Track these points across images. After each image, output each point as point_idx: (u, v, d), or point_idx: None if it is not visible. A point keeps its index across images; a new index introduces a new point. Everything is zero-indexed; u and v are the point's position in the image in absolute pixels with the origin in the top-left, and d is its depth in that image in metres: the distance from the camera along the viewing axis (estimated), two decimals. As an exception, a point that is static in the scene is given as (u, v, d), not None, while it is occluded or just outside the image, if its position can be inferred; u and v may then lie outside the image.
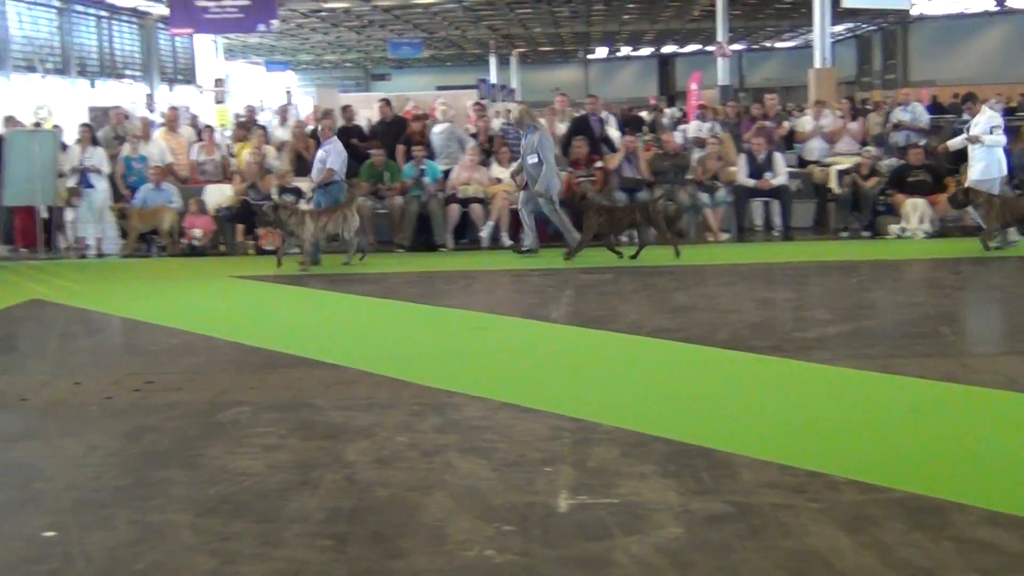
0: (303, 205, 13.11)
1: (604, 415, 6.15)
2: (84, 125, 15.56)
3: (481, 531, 4.55)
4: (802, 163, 15.66)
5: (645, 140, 15.59)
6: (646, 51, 61.25)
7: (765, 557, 4.19)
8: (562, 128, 15.53)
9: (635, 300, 10.23)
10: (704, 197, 13.96)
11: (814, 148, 15.72)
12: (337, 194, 12.78)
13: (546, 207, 12.65)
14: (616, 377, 7.27)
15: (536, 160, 12.55)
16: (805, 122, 16.57)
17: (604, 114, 16.13)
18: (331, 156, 12.85)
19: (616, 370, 7.48)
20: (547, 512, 4.74)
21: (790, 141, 16.17)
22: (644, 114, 20.35)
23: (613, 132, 15.76)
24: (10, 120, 15.87)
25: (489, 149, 14.83)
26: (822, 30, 25.59)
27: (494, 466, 5.35)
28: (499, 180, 14.02)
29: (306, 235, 12.15)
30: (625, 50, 60.68)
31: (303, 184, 14.05)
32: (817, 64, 25.33)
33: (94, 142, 14.95)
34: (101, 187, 14.54)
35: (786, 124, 16.85)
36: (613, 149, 14.75)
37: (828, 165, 14.95)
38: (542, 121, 13.58)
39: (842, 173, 14.34)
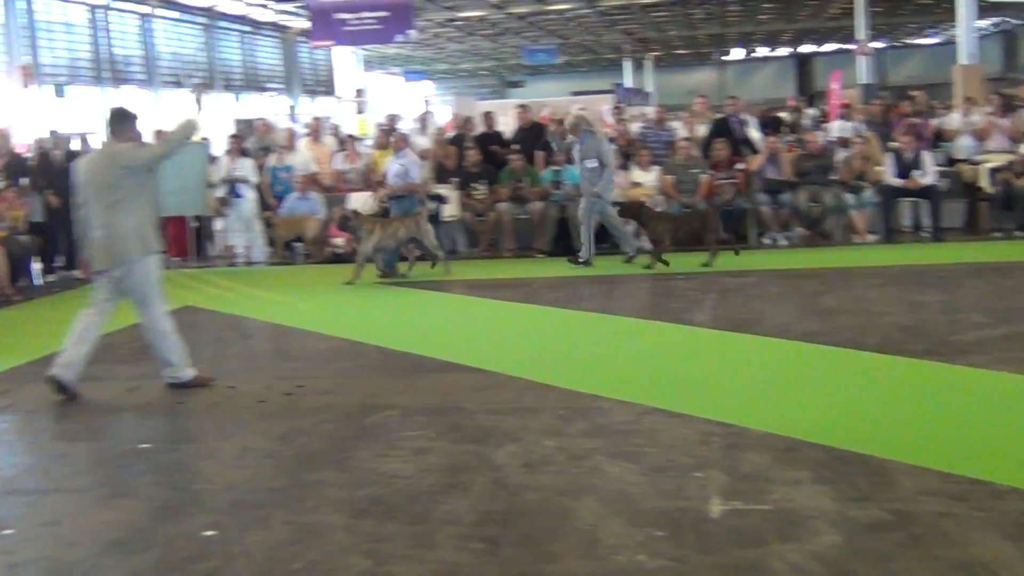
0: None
1: (753, 420, 6.07)
2: (232, 136, 15.97)
3: (632, 536, 4.52)
4: (951, 162, 15.21)
5: (787, 141, 15.31)
6: (783, 51, 60.33)
7: (928, 567, 4.08)
8: (702, 130, 15.39)
9: (781, 303, 10.07)
10: (849, 198, 13.68)
11: (963, 146, 15.25)
12: (410, 205, 12.88)
13: (601, 209, 12.64)
14: (764, 381, 7.16)
15: (595, 165, 12.53)
16: (952, 119, 16.11)
17: (744, 116, 15.94)
18: (413, 169, 13.00)
19: (764, 374, 7.36)
20: (699, 518, 4.68)
21: (937, 139, 15.73)
22: (784, 114, 20.03)
23: (754, 133, 15.56)
24: (160, 134, 16.35)
25: (628, 153, 14.76)
26: (967, 25, 24.87)
27: (643, 471, 5.32)
28: (638, 184, 13.95)
29: (368, 244, 12.21)
30: (762, 51, 59.85)
31: (445, 190, 14.21)
32: (962, 60, 24.61)
33: (242, 153, 15.34)
34: (249, 197, 14.91)
35: (934, 122, 16.41)
36: (754, 151, 14.57)
37: (978, 163, 14.49)
38: (598, 126, 13.55)
39: (994, 171, 13.89)
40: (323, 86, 40.97)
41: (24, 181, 14.05)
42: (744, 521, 4.62)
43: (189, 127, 7.65)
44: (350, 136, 17.93)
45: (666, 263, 12.11)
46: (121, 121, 7.58)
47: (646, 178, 13.91)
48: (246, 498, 5.27)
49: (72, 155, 14.87)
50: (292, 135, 16.65)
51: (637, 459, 5.49)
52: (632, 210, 12.59)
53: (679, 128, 15.67)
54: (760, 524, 4.56)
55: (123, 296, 7.62)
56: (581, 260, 12.68)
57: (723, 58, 61.96)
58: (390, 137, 15.57)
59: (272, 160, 15.47)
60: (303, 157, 15.63)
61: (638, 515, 4.74)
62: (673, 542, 4.43)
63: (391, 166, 13.29)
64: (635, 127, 16.54)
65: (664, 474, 5.26)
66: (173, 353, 7.54)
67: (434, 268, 12.60)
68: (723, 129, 14.81)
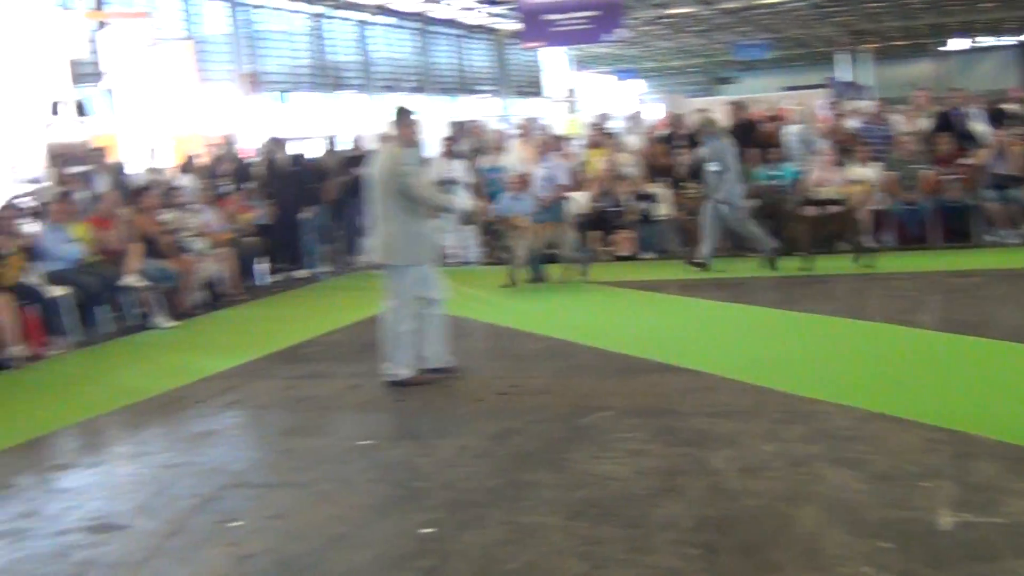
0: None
1: (984, 427, 5.79)
2: (446, 139, 16.23)
3: (857, 547, 4.37)
4: None
5: (1015, 134, 14.56)
6: (1008, 40, 57.54)
7: None
8: (923, 124, 14.81)
9: (1011, 304, 9.56)
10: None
11: None
12: (558, 211, 12.74)
13: (730, 215, 12.30)
14: (995, 386, 6.80)
15: (718, 168, 12.24)
16: None
17: (968, 108, 15.26)
18: (560, 174, 12.86)
19: (995, 379, 7.00)
20: (927, 529, 4.50)
21: None
22: (1009, 106, 19.06)
23: (979, 127, 14.86)
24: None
25: (845, 149, 14.32)
26: None
27: (866, 478, 5.14)
28: (856, 181, 13.51)
29: (519, 249, 12.15)
30: (985, 40, 57.22)
31: (657, 189, 14.11)
32: None
33: (455, 155, 15.57)
34: (462, 197, 15.10)
35: None
36: (978, 144, 13.92)
37: None
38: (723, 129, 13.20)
39: None
40: (533, 87, 41.34)
41: (250, 185, 14.65)
42: (976, 534, 4.41)
43: (446, 203, 7.90)
44: (560, 136, 17.99)
45: (809, 267, 11.81)
46: (401, 119, 7.89)
47: (864, 174, 13.46)
48: (462, 497, 5.34)
49: (297, 160, 15.43)
50: (504, 136, 16.81)
51: (860, 466, 5.31)
52: (768, 209, 12.27)
53: (899, 122, 15.13)
54: (993, 538, 4.35)
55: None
56: (699, 261, 12.45)
57: (943, 49, 59.54)
58: (602, 136, 15.59)
59: (484, 161, 15.65)
60: (515, 158, 15.76)
61: (862, 525, 4.58)
62: (900, 554, 4.27)
63: (538, 171, 13.26)
64: (852, 122, 16.05)
65: (889, 483, 5.07)
66: (401, 352, 7.71)
67: (575, 273, 12.51)
68: (946, 123, 14.21)
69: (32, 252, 10.75)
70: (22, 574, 4.83)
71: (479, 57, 38.13)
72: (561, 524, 4.87)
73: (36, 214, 12.03)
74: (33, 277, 10.39)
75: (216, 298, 12.55)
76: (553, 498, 5.21)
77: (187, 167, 15.90)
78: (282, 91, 26.81)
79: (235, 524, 5.23)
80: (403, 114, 7.93)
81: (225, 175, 15.10)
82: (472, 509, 5.14)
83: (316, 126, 23.91)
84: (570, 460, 5.77)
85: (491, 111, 32.58)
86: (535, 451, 6.01)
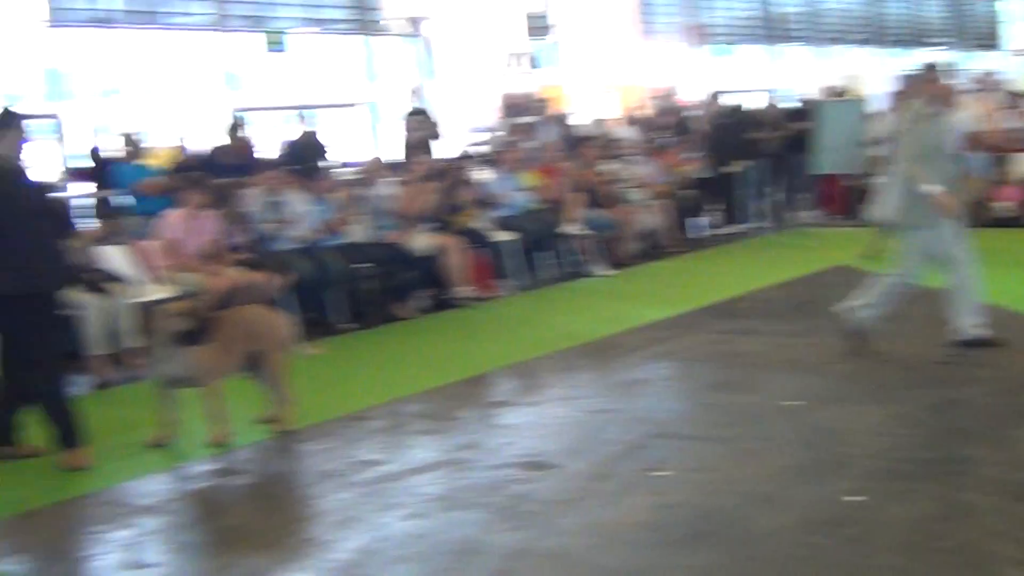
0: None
1: None
2: (897, 92, 15.52)
3: None
4: None
5: None
6: None
7: None
8: None
9: None
10: None
11: None
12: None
13: None
14: None
15: None
16: None
17: None
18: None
19: None
20: None
21: None
22: None
23: None
24: (828, 90, 16.31)
25: None
26: None
27: None
28: None
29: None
30: None
31: None
32: None
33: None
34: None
35: None
36: None
37: None
38: None
39: None
40: (991, 39, 38.66)
41: (690, 138, 14.73)
42: None
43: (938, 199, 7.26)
44: (1020, 92, 16.71)
45: None
46: (926, 75, 7.62)
47: None
48: (891, 467, 5.15)
49: (735, 112, 15.33)
50: (956, 91, 15.85)
51: None
52: None
53: None
54: None
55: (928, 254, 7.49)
56: None
57: None
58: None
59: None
60: (967, 115, 14.81)
61: None
62: None
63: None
64: None
65: None
66: (877, 310, 7.42)
67: None
68: None
69: (483, 199, 11.40)
70: (461, 501, 5.16)
71: (933, 7, 36.13)
72: (1000, 505, 4.57)
73: (489, 162, 12.72)
74: (483, 222, 11.02)
75: (653, 249, 12.77)
76: (993, 477, 4.91)
77: (629, 119, 16.23)
78: (727, 43, 26.65)
79: (659, 473, 5.32)
80: (929, 69, 7.56)
81: (665, 127, 15.28)
82: (902, 481, 4.95)
83: (759, 79, 23.62)
84: (1015, 438, 5.41)
85: (944, 63, 30.81)
86: (975, 425, 5.69)
